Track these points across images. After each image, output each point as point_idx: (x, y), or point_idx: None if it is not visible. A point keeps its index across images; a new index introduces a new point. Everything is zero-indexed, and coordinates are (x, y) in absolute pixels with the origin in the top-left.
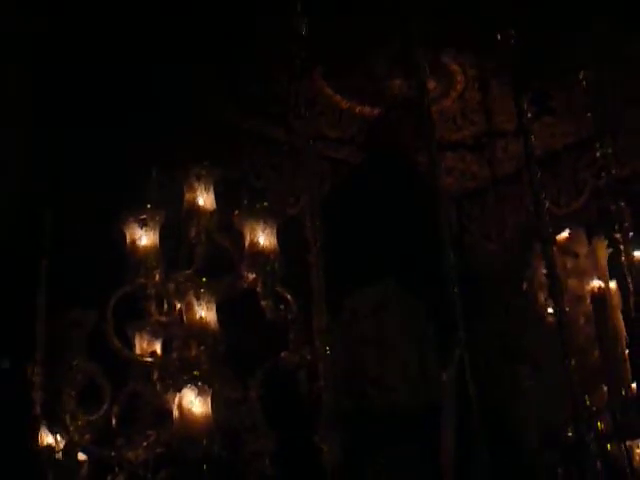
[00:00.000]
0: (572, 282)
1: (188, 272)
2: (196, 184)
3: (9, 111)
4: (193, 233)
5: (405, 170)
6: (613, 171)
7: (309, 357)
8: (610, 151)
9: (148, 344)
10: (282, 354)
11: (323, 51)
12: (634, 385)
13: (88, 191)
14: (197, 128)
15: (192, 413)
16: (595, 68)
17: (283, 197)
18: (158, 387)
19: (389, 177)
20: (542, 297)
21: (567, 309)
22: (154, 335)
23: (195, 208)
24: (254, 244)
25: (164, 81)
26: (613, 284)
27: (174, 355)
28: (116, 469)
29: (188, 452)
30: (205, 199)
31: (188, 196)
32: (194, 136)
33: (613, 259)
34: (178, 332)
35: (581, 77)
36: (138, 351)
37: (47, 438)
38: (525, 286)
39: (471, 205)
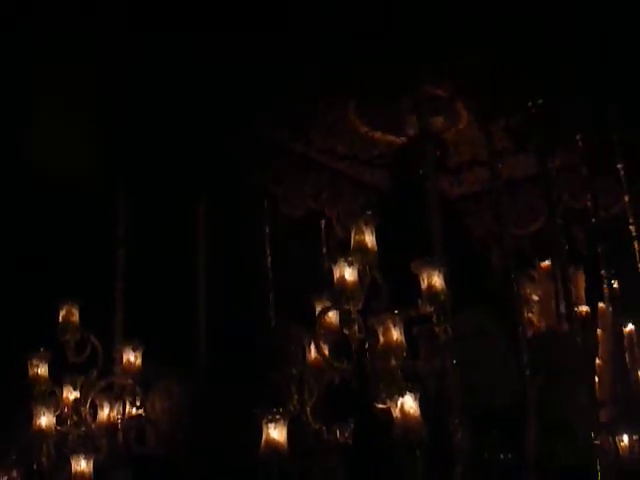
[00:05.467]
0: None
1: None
2: (364, 227)
3: None
4: (360, 267)
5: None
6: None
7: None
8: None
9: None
10: (417, 362)
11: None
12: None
13: None
14: None
15: (411, 413)
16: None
17: None
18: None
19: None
20: (527, 314)
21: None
22: (325, 342)
23: (362, 247)
24: (431, 286)
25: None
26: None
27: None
28: None
29: (410, 440)
30: (370, 240)
31: (357, 237)
32: None
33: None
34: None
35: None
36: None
37: None
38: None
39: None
